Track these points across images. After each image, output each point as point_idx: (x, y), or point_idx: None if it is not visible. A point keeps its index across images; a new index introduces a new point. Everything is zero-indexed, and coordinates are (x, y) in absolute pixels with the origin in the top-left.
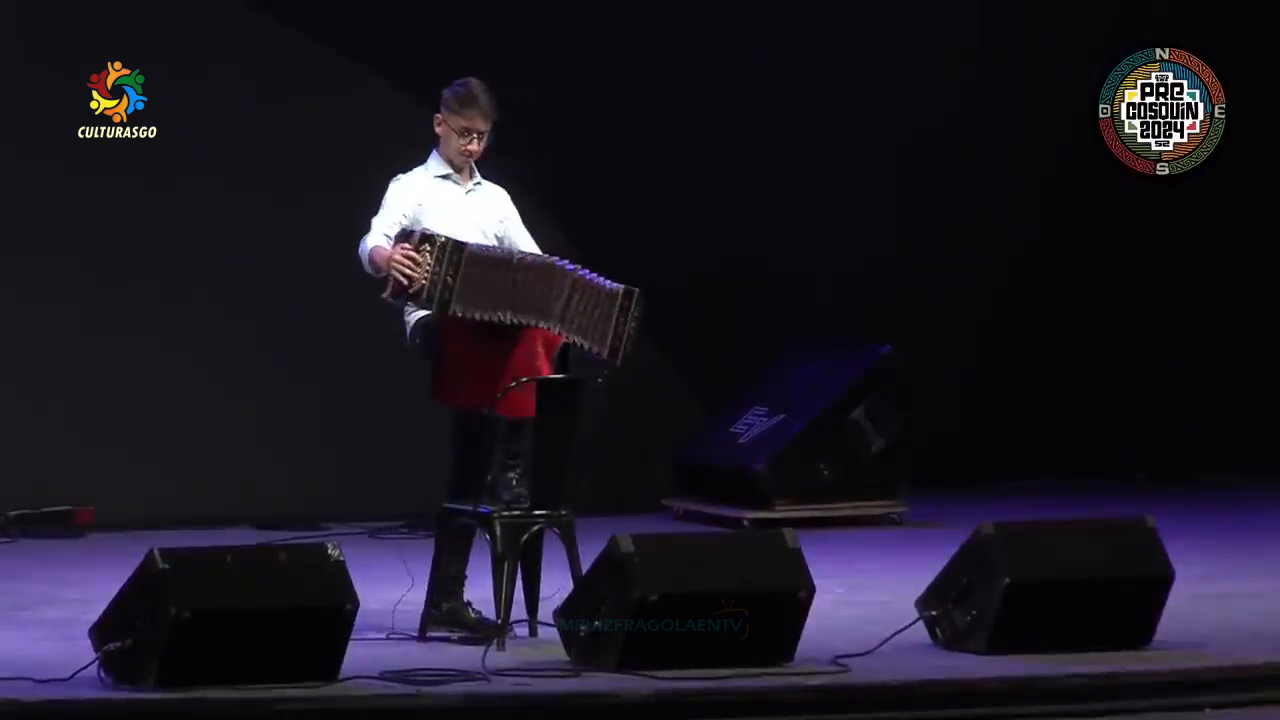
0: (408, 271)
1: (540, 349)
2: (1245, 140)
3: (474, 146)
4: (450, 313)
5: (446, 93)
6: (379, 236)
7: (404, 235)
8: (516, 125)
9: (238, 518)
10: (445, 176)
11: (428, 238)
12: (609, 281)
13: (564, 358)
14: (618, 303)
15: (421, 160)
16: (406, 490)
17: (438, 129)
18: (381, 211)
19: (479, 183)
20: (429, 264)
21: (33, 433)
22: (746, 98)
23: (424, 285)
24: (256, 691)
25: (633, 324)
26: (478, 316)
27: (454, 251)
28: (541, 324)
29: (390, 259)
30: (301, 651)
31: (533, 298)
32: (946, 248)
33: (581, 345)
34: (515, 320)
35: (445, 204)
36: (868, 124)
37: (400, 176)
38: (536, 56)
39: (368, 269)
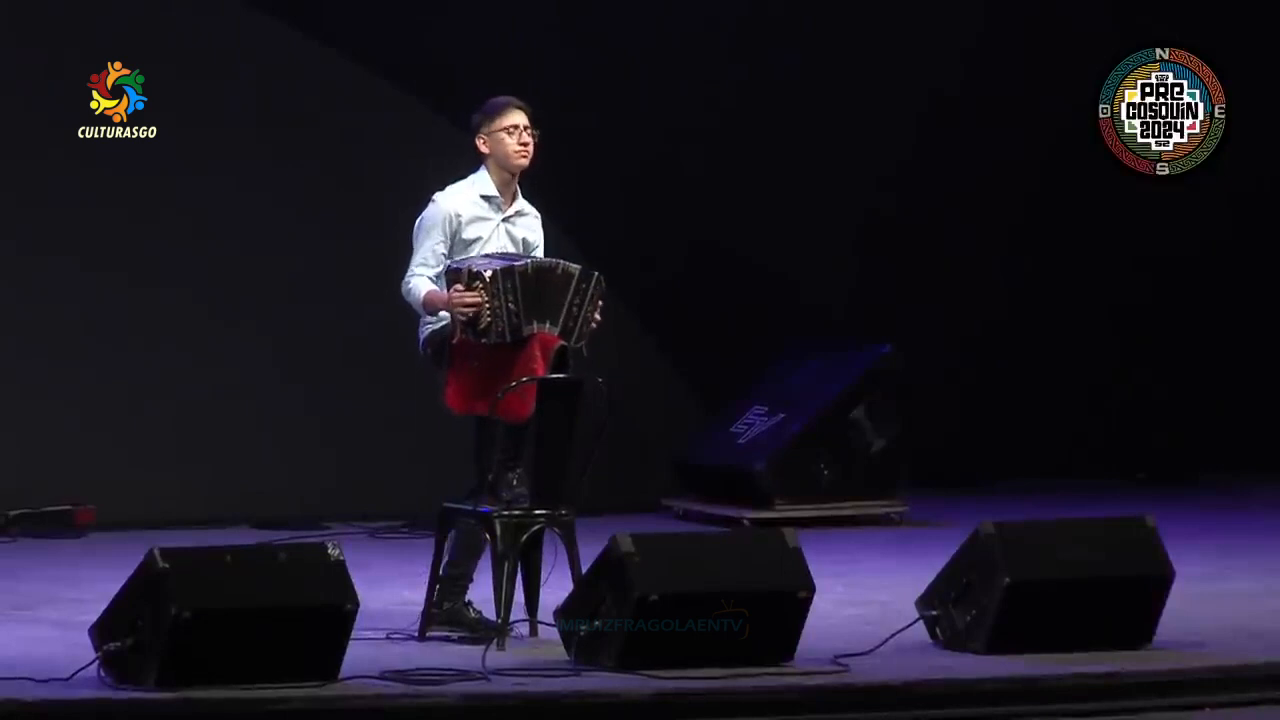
0: (469, 314)
1: (538, 352)
2: (1245, 140)
3: (527, 139)
4: (524, 335)
5: (476, 115)
6: (424, 281)
7: (453, 276)
8: None
9: (238, 518)
10: (488, 198)
11: (476, 275)
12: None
13: (562, 357)
14: (573, 284)
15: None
16: (406, 490)
17: (483, 149)
18: (420, 246)
19: (519, 211)
20: (485, 300)
21: (34, 432)
22: (745, 98)
23: (489, 321)
24: (256, 691)
25: (590, 308)
26: (537, 329)
27: (505, 278)
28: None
29: (449, 304)
30: (301, 651)
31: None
32: (946, 248)
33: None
34: (553, 329)
35: (478, 230)
36: (868, 125)
37: (436, 197)
38: (537, 56)
39: (420, 310)
